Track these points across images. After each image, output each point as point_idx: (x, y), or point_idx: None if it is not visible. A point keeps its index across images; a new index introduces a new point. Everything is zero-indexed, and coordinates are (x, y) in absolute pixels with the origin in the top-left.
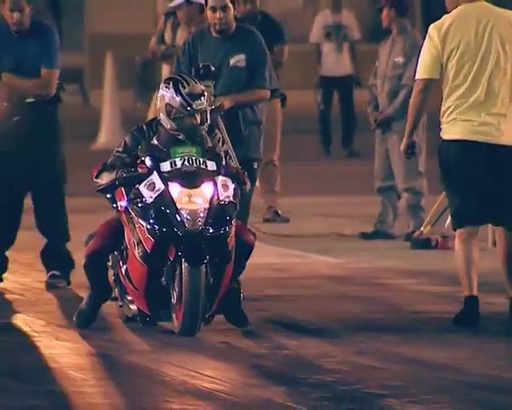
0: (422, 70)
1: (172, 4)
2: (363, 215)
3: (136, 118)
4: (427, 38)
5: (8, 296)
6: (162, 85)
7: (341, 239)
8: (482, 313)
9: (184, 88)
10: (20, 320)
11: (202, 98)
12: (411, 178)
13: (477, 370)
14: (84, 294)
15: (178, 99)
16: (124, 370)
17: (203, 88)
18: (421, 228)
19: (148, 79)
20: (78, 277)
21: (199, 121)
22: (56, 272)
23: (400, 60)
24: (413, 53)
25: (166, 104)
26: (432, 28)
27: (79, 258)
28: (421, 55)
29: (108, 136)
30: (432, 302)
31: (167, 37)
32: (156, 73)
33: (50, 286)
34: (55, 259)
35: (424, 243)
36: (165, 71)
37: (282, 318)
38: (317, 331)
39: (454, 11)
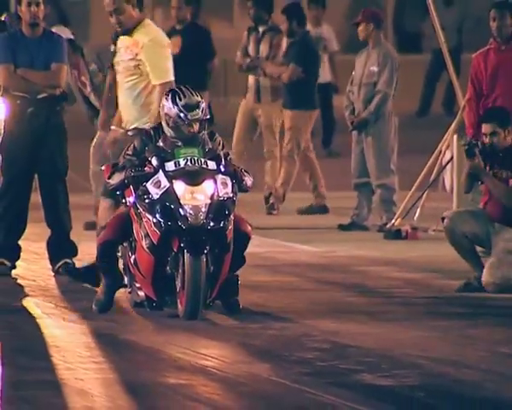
0: (170, 73)
1: None
2: (341, 208)
3: None
4: (166, 45)
5: (20, 282)
6: (164, 96)
7: (321, 230)
8: (446, 297)
9: (180, 99)
10: (31, 303)
11: (197, 109)
12: (384, 175)
13: (442, 348)
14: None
15: (175, 109)
16: (125, 348)
17: (199, 99)
18: (393, 220)
19: None
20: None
21: (196, 130)
22: (68, 261)
23: (375, 68)
24: (386, 62)
25: (165, 114)
26: (166, 37)
27: (84, 248)
28: (165, 61)
29: None
30: (402, 287)
31: (251, 50)
32: None
33: (67, 273)
34: (61, 248)
35: (395, 234)
36: (251, 80)
37: (267, 301)
38: (299, 313)
39: (150, 22)
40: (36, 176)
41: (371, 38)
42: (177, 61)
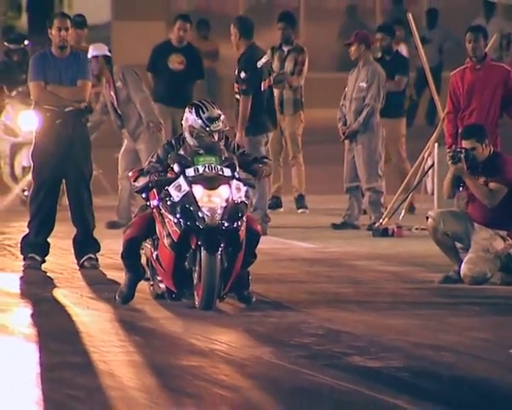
0: None
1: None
2: (334, 209)
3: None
4: None
5: (49, 274)
6: (187, 109)
7: (316, 229)
8: (428, 288)
9: (204, 113)
10: (59, 293)
11: (218, 121)
12: (373, 179)
13: (424, 333)
14: (109, 273)
15: (199, 122)
16: (144, 334)
17: (219, 112)
18: (381, 220)
19: None
20: (105, 259)
21: (216, 139)
22: (92, 256)
23: (364, 84)
24: (374, 79)
25: (189, 126)
26: None
27: (106, 244)
28: None
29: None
30: (389, 279)
31: (275, 66)
32: None
33: (90, 267)
34: (86, 245)
35: (383, 232)
36: (276, 93)
37: (269, 292)
38: (297, 303)
39: None
40: (63, 180)
41: (362, 57)
42: (181, 76)
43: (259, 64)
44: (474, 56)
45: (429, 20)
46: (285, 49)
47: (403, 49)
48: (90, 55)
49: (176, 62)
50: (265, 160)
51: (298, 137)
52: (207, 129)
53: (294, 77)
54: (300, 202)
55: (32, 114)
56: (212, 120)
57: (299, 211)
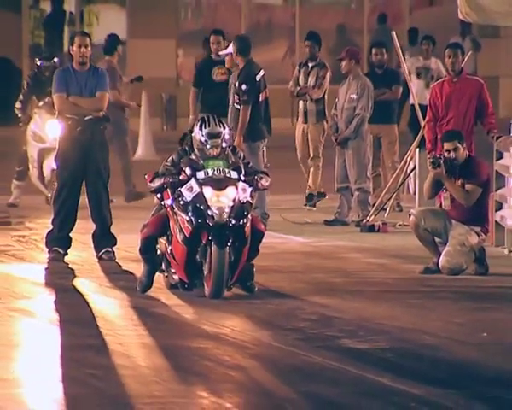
0: None
1: (223, 53)
2: (326, 207)
3: (162, 138)
4: None
5: (71, 266)
6: (197, 122)
7: (310, 225)
8: (410, 278)
9: (205, 128)
10: (79, 283)
11: (217, 138)
12: (362, 180)
13: (407, 318)
14: (125, 264)
15: (199, 135)
16: (154, 319)
17: (221, 130)
18: (368, 217)
19: (171, 110)
20: (121, 252)
21: (216, 154)
22: (109, 249)
23: (354, 96)
24: (363, 91)
25: (193, 137)
26: None
27: (121, 238)
28: None
29: (143, 151)
30: (375, 271)
31: (300, 80)
32: (176, 105)
33: (108, 259)
34: (104, 239)
35: (370, 228)
36: (300, 105)
37: (268, 282)
38: (293, 291)
39: None
40: (84, 182)
41: (352, 71)
42: (224, 86)
43: (258, 77)
44: (452, 70)
45: (411, 38)
46: (310, 64)
47: (432, 63)
48: (228, 50)
49: (219, 74)
50: (263, 174)
51: (319, 144)
52: (206, 143)
53: (315, 90)
54: (310, 200)
55: (57, 122)
56: (212, 136)
57: (307, 208)
